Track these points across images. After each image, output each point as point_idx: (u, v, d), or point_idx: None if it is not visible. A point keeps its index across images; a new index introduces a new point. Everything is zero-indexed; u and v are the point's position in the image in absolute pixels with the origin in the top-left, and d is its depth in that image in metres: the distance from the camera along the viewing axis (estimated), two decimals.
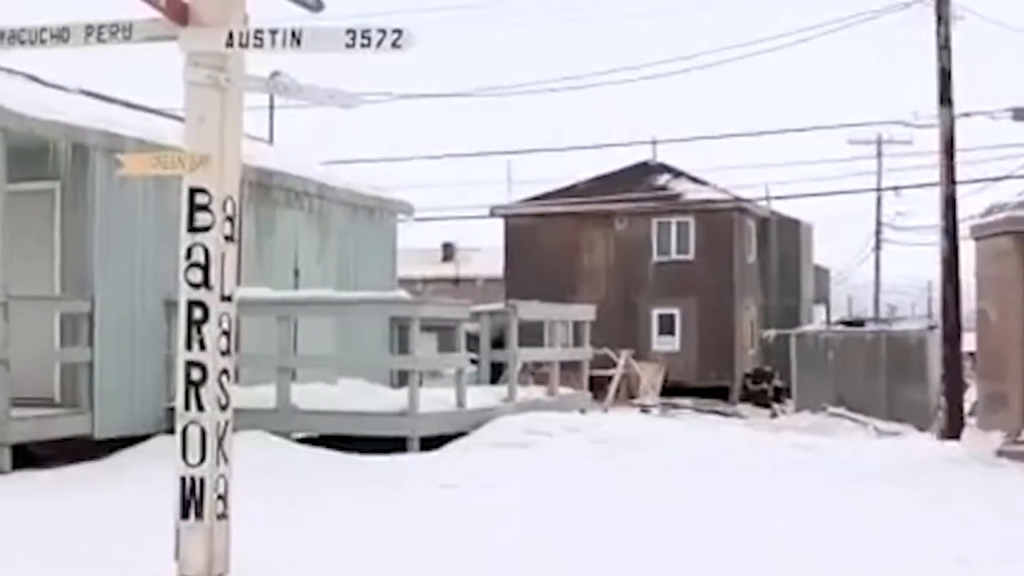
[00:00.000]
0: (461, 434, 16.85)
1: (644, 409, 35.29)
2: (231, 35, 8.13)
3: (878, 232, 63.47)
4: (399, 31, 7.71)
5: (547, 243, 44.52)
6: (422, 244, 62.09)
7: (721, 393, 41.96)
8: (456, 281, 66.16)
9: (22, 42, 8.50)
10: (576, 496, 12.74)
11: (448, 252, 72.41)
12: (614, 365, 39.08)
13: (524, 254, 44.98)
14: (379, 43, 7.74)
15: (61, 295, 16.67)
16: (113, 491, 13.36)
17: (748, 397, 42.46)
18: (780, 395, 41.48)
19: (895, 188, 56.76)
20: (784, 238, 48.54)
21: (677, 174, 46.72)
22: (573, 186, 46.61)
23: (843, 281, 64.06)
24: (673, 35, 61.45)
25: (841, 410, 32.18)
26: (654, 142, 47.64)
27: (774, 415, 37.03)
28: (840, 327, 37.69)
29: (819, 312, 50.24)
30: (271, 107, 40.77)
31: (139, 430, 16.46)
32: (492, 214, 47.08)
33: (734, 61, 51.76)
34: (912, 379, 33.77)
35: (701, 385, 42.24)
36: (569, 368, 23.05)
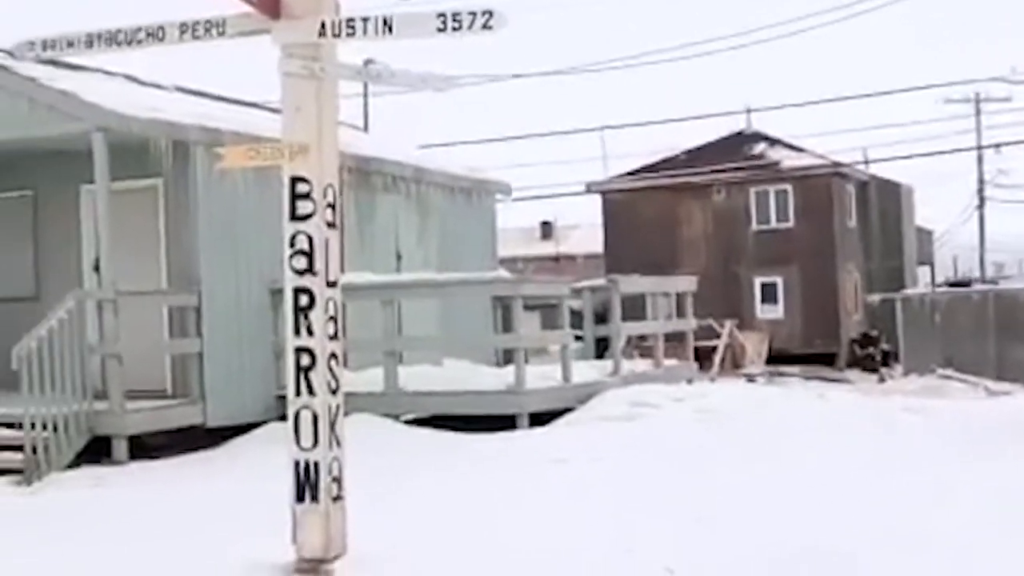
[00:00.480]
0: (568, 409, 16.90)
1: (750, 378, 35.11)
2: (323, 25, 8.24)
3: (980, 191, 62.70)
4: (489, 12, 7.77)
5: (645, 217, 44.41)
6: (521, 223, 62.26)
7: (827, 360, 41.68)
8: (556, 259, 66.26)
9: (119, 43, 8.66)
10: (685, 467, 12.74)
11: (547, 230, 72.50)
12: (718, 336, 38.96)
13: (622, 229, 44.90)
14: (470, 25, 7.81)
15: (168, 289, 16.94)
16: (228, 478, 13.58)
17: (855, 363, 42.15)
18: (887, 359, 41.12)
19: (996, 146, 56.08)
20: (884, 201, 48.07)
21: (773, 142, 46.40)
22: (670, 159, 46.45)
23: (947, 242, 63.36)
24: (763, 2, 60.86)
25: (950, 372, 31.86)
26: (749, 111, 47.41)
27: (882, 380, 36.74)
28: (946, 288, 37.32)
29: (923, 274, 49.79)
30: (365, 94, 41.03)
31: (249, 418, 16.69)
32: (589, 190, 47.02)
33: (829, 25, 51.32)
34: (1022, 337, 33.35)
35: (806, 352, 41.97)
36: (674, 340, 23.01)
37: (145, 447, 15.67)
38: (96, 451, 15.18)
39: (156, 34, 8.60)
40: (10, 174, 17.64)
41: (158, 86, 19.38)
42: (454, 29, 7.87)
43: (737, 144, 46.53)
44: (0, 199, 17.95)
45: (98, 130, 15.55)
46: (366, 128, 36.26)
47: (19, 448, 14.56)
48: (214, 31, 8.51)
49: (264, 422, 16.48)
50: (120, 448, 15.22)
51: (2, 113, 16.39)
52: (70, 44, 8.85)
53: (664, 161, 46.43)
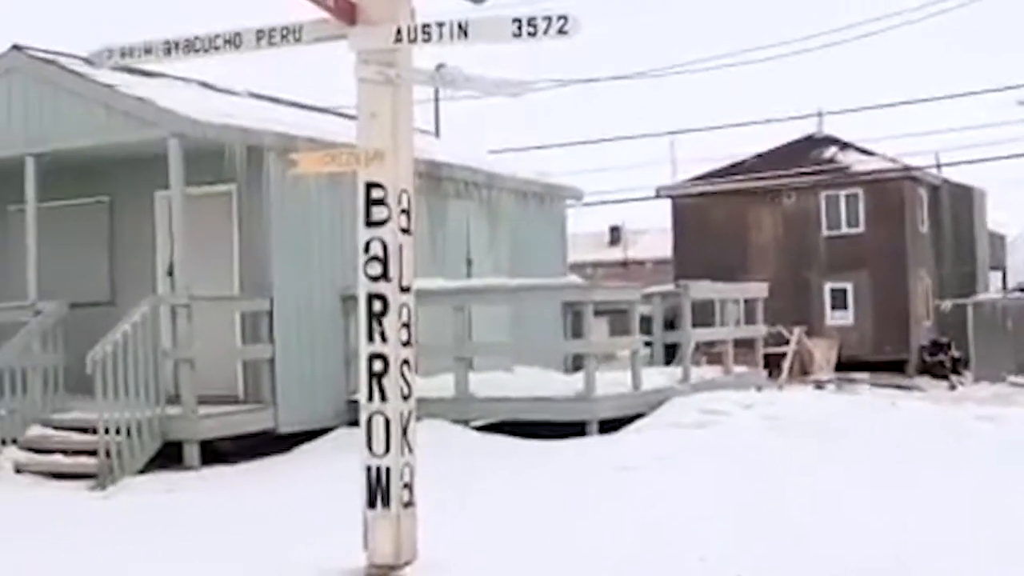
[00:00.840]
0: (638, 416, 16.86)
1: (819, 385, 34.89)
2: (399, 31, 8.26)
3: None
4: (564, 17, 7.76)
5: (714, 222, 44.24)
6: (590, 228, 62.17)
7: (897, 366, 41.32)
8: (625, 264, 66.14)
9: (196, 50, 8.73)
10: (755, 475, 12.69)
11: (616, 235, 72.32)
12: (787, 342, 38.73)
13: (692, 234, 44.76)
14: (545, 31, 7.81)
15: (241, 294, 17.04)
16: (298, 484, 13.65)
17: (925, 369, 41.74)
18: (958, 366, 40.73)
19: None
20: (956, 205, 47.60)
21: (844, 146, 46.07)
22: (739, 163, 46.24)
23: (1020, 246, 62.65)
24: (833, 5, 60.49)
25: (1022, 379, 31.51)
26: (820, 114, 47.07)
27: (953, 387, 36.41)
28: (1018, 294, 36.91)
29: (995, 279, 49.26)
30: (436, 99, 41.12)
31: (320, 424, 16.76)
32: (658, 195, 46.91)
33: (900, 27, 51.04)
34: None
35: (876, 359, 41.63)
36: (743, 346, 22.91)
37: (217, 452, 15.77)
38: (168, 456, 15.30)
39: (233, 41, 8.66)
40: (87, 180, 17.82)
41: (232, 92, 19.52)
42: (530, 34, 7.87)
43: (807, 148, 46.25)
44: (77, 205, 18.11)
45: (173, 136, 15.69)
46: (437, 133, 36.32)
47: (93, 452, 14.72)
48: (291, 37, 8.56)
49: (334, 427, 16.54)
50: (192, 453, 15.33)
51: (79, 120, 16.58)
52: (148, 51, 8.94)
53: (734, 165, 46.22)
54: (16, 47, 17.36)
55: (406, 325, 8.59)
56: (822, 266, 43.37)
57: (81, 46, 13.76)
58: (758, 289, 23.48)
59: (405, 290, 8.57)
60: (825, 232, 43.56)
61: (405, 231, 8.52)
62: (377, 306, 8.49)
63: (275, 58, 8.88)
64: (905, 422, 16.42)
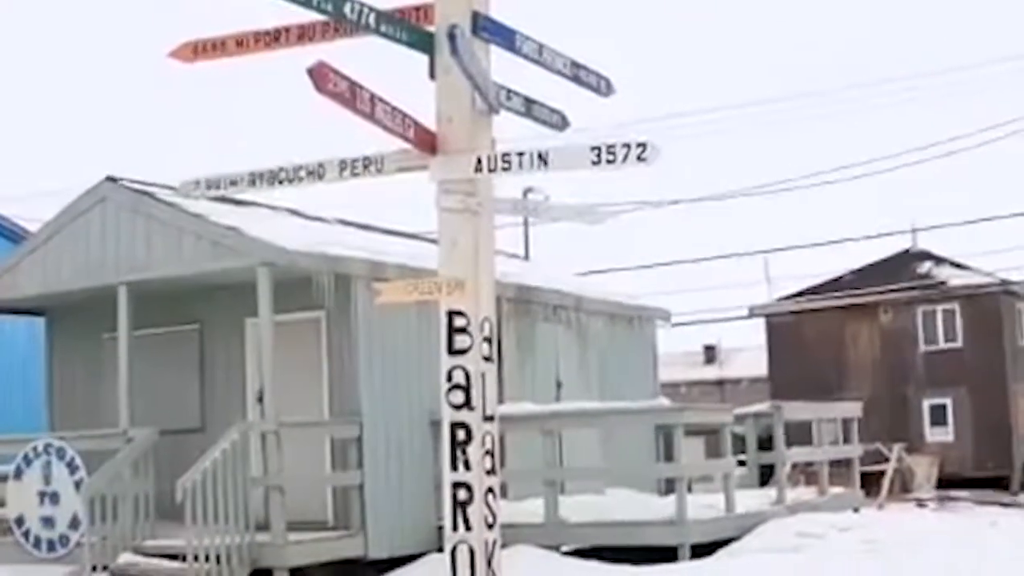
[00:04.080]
0: (732, 539, 16.63)
1: (920, 503, 34.33)
2: (479, 160, 8.28)
3: None
4: (643, 145, 7.74)
5: (810, 339, 43.93)
6: (684, 347, 61.94)
7: (1000, 483, 40.58)
8: (719, 383, 65.75)
9: (280, 182, 8.79)
10: None
11: (710, 354, 72.06)
12: (886, 460, 38.18)
13: (787, 352, 44.44)
14: (624, 158, 7.79)
15: (330, 420, 17.06)
16: None
17: None
18: None
19: None
20: None
21: (939, 260, 45.72)
22: (835, 280, 46.00)
23: None
24: (922, 122, 60.41)
25: None
26: (914, 230, 46.80)
27: None
28: None
29: None
30: (525, 222, 41.32)
31: (410, 549, 16.68)
32: (751, 314, 46.69)
33: (993, 142, 50.71)
34: None
35: (978, 475, 40.92)
36: (840, 465, 22.61)
37: None
38: None
39: (316, 172, 8.72)
40: (178, 308, 18.00)
41: (321, 219, 19.73)
42: (608, 162, 7.86)
43: (903, 263, 45.94)
44: (168, 333, 18.28)
45: (262, 264, 15.84)
46: (526, 256, 36.47)
47: None
48: (372, 168, 8.60)
49: (425, 553, 16.44)
50: None
51: (170, 249, 16.81)
52: (233, 183, 9.02)
53: (829, 282, 45.98)
54: (110, 178, 17.66)
55: (490, 453, 8.52)
56: (920, 382, 42.88)
57: (173, 177, 14.03)
58: (853, 409, 23.21)
59: (489, 418, 8.50)
60: (923, 348, 43.12)
61: (488, 359, 8.48)
62: (460, 435, 8.44)
63: (364, 184, 8.92)
64: (1008, 543, 16.06)
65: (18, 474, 17.06)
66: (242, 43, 8.70)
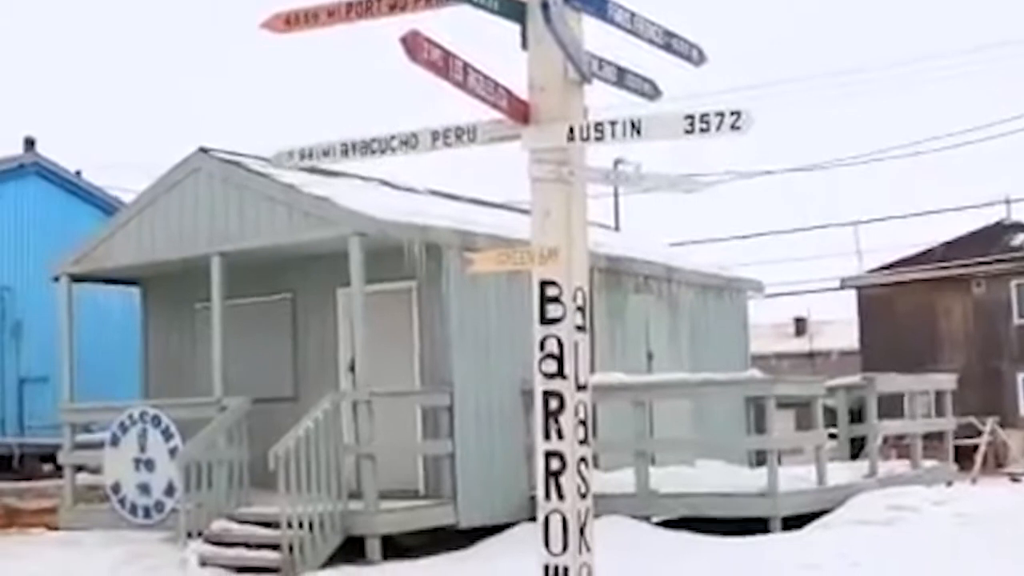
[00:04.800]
0: (823, 512, 16.53)
1: (1014, 478, 33.92)
2: (572, 130, 8.25)
3: None
4: (737, 113, 7.67)
5: (901, 312, 43.53)
6: (774, 319, 61.58)
7: None
8: (810, 355, 65.31)
9: (372, 151, 8.81)
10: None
11: (800, 326, 71.59)
12: (979, 434, 37.77)
13: (878, 324, 44.07)
14: (718, 127, 7.72)
15: (421, 389, 17.14)
16: None
17: None
18: None
19: None
20: None
21: None
22: (926, 252, 45.51)
23: None
24: (1018, 91, 59.56)
25: None
26: (1008, 201, 46.20)
27: None
28: None
29: None
30: (616, 193, 41.20)
31: (500, 519, 16.72)
32: (843, 286, 46.32)
33: None
34: None
35: None
36: (932, 439, 22.40)
37: (397, 547, 15.80)
38: (350, 551, 15.37)
39: (409, 142, 8.73)
40: (270, 278, 18.15)
41: (412, 190, 19.80)
42: (702, 131, 7.80)
43: (996, 235, 45.38)
44: (261, 303, 18.44)
45: (354, 234, 15.92)
46: (617, 227, 36.38)
47: (276, 547, 14.87)
48: (465, 138, 8.60)
49: (515, 523, 16.48)
50: (373, 548, 15.40)
51: (263, 220, 16.94)
52: (326, 153, 9.04)
53: (921, 254, 45.50)
54: (202, 149, 17.82)
55: (583, 423, 8.51)
56: (1014, 355, 42.39)
57: (264, 147, 14.12)
58: (947, 381, 22.96)
59: (581, 388, 8.50)
60: (1016, 320, 42.60)
61: (580, 328, 8.46)
62: (553, 404, 8.43)
63: (455, 153, 8.92)
64: None
65: (114, 441, 17.32)
66: (334, 13, 8.71)
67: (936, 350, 42.00)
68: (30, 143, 27.35)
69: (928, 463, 21.06)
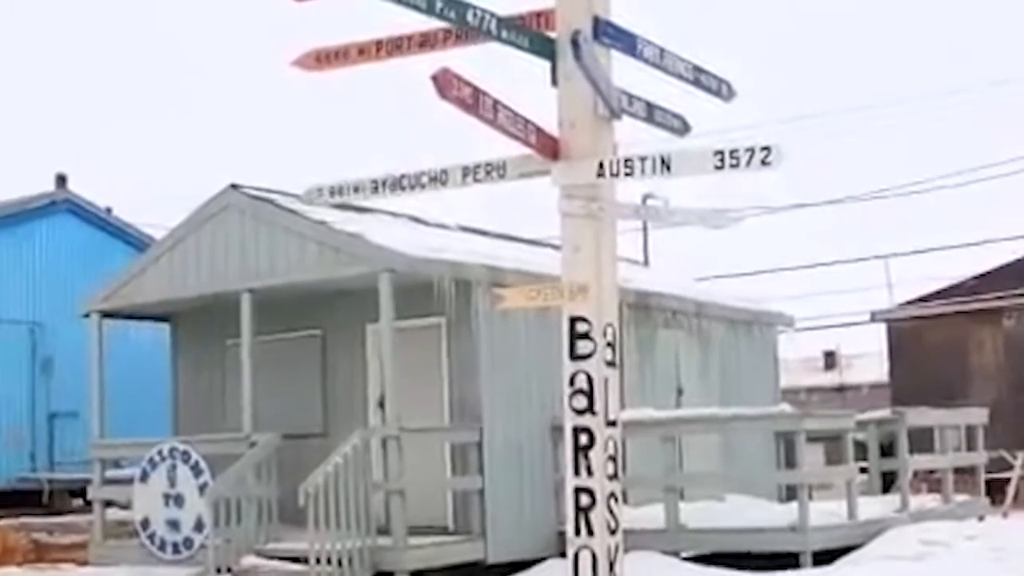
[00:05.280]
0: (853, 547, 16.45)
1: None
2: (601, 165, 8.27)
3: None
4: (767, 149, 7.67)
5: (932, 345, 43.26)
6: (804, 353, 61.36)
7: None
8: (840, 389, 65.04)
9: (402, 188, 8.84)
10: None
11: (830, 360, 71.30)
12: (1010, 467, 37.55)
13: (908, 357, 43.83)
14: (748, 162, 7.71)
15: (450, 425, 17.14)
16: None
17: None
18: None
19: None
20: None
21: None
22: (956, 285, 45.27)
23: None
24: None
25: None
26: None
27: None
28: None
29: None
30: (645, 228, 41.17)
31: (529, 554, 16.70)
32: (873, 319, 46.13)
33: None
34: None
35: None
36: (964, 473, 22.26)
37: None
38: None
39: (439, 178, 8.75)
40: (300, 314, 18.19)
41: (442, 226, 19.84)
42: (732, 166, 7.79)
43: None
44: (291, 339, 18.48)
45: (384, 271, 15.95)
46: (646, 262, 36.36)
47: None
48: (495, 174, 8.62)
49: (544, 558, 16.46)
50: None
51: (293, 256, 17.00)
52: (356, 190, 9.08)
53: (951, 288, 45.25)
54: (233, 186, 17.90)
55: (612, 459, 8.50)
56: None
57: (295, 184, 14.19)
58: (979, 415, 22.83)
59: (611, 423, 8.49)
60: None
61: (610, 364, 8.46)
62: (583, 439, 8.43)
63: (485, 190, 8.93)
64: None
65: (144, 477, 17.35)
66: (364, 51, 8.76)
67: (967, 383, 41.75)
68: (62, 180, 27.47)
69: (959, 497, 20.94)
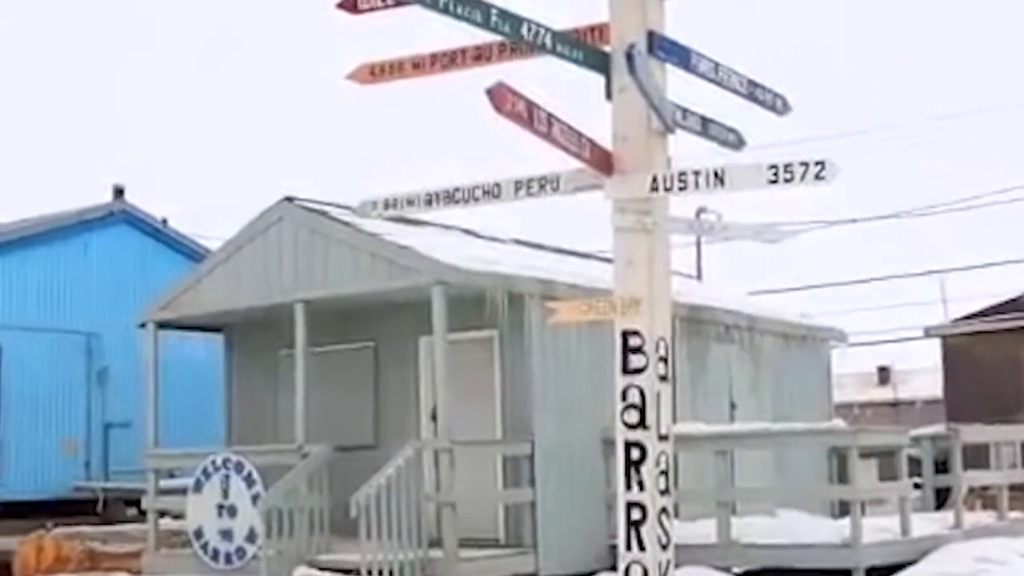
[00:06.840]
0: (906, 564, 16.34)
1: None
2: (655, 179, 8.27)
3: None
4: (822, 163, 7.66)
5: (986, 361, 42.95)
6: (857, 368, 61.04)
7: None
8: (894, 404, 64.68)
9: (456, 201, 8.87)
10: None
11: (884, 375, 70.94)
12: None
13: (962, 373, 43.50)
14: (802, 177, 7.71)
15: (502, 438, 17.14)
16: None
17: None
18: None
19: None
20: None
21: None
22: (1013, 300, 44.95)
23: None
24: None
25: None
26: None
27: None
28: None
29: None
30: (698, 243, 41.11)
31: (580, 568, 16.65)
32: (927, 334, 45.85)
33: None
34: None
35: None
36: (1018, 490, 22.07)
37: None
38: None
39: (492, 191, 8.78)
40: (353, 326, 18.25)
41: (495, 239, 19.86)
42: (786, 181, 7.78)
43: None
44: (344, 350, 18.53)
45: (436, 283, 15.98)
46: (699, 276, 36.28)
47: None
48: (548, 188, 8.63)
49: (595, 572, 16.41)
50: None
51: (346, 268, 17.06)
52: (410, 203, 9.11)
53: (1007, 303, 44.92)
54: (287, 198, 17.98)
55: (664, 473, 8.49)
56: None
57: (348, 196, 14.24)
58: None
59: (663, 438, 8.48)
60: None
61: (663, 378, 8.45)
62: (635, 454, 8.42)
63: (539, 203, 8.94)
64: None
65: (198, 487, 17.42)
66: (419, 65, 8.81)
67: (1022, 399, 41.43)
68: (119, 191, 27.67)
69: (1014, 514, 20.77)
